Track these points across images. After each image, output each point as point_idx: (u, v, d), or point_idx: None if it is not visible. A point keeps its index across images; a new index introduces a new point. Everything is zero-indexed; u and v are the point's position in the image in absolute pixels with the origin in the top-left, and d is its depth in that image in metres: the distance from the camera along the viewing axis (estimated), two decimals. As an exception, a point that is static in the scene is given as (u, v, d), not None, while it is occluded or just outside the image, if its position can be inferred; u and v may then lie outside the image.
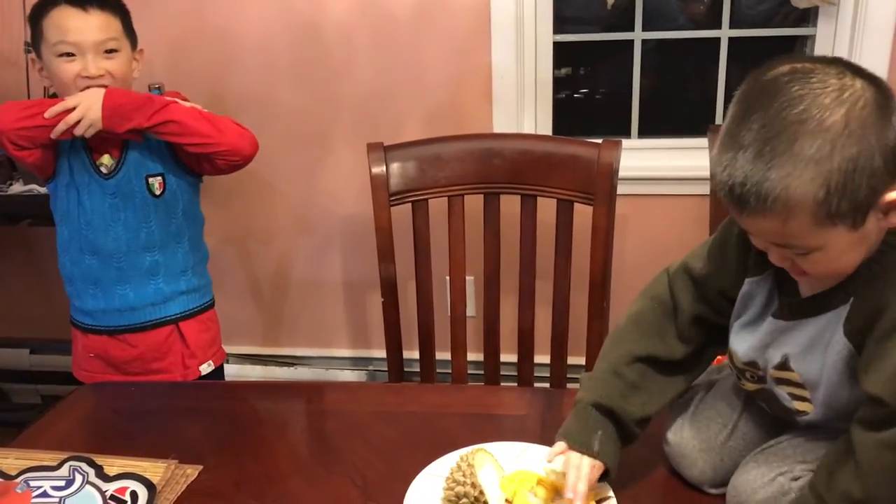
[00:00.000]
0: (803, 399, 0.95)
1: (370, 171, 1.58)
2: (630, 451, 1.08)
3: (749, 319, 1.00)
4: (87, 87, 1.48)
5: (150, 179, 1.58)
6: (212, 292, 1.76)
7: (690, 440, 1.04)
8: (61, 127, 1.45)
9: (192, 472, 1.13)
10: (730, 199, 0.83)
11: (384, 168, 1.58)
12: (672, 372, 1.06)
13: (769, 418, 1.04)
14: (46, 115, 1.45)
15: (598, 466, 0.99)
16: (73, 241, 1.61)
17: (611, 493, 0.98)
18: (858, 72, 0.82)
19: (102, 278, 1.61)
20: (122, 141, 1.54)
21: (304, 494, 1.09)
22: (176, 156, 1.59)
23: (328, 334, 2.62)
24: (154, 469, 1.12)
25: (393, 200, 1.59)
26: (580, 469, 0.97)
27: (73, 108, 1.45)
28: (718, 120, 2.29)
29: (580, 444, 0.99)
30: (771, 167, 0.78)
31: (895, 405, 0.83)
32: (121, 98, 1.47)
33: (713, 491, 1.02)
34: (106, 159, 1.55)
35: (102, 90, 1.47)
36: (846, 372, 0.89)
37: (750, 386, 1.02)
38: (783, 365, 0.95)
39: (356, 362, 2.64)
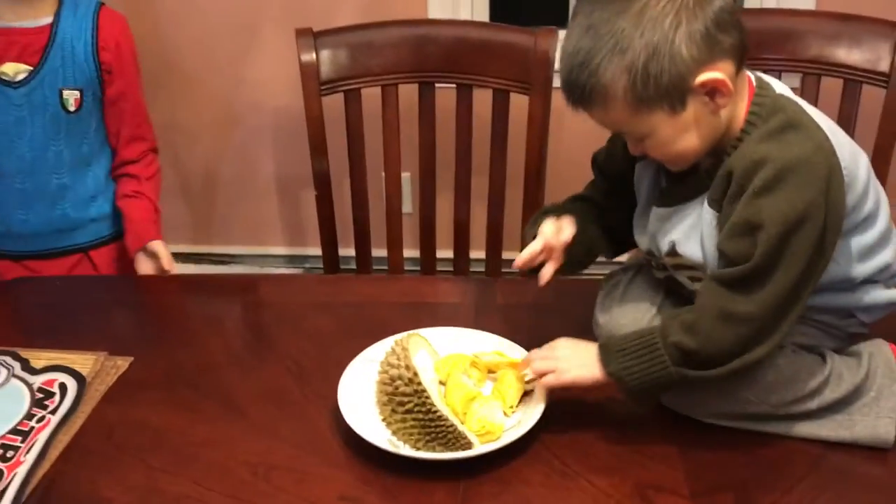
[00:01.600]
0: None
1: (299, 59, 1.53)
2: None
3: (640, 210, 1.04)
4: None
5: (66, 93, 1.45)
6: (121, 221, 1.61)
7: (620, 319, 1.06)
8: None
9: (123, 363, 1.11)
10: (565, 95, 0.90)
11: (314, 55, 1.52)
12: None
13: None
14: None
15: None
16: None
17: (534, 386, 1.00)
18: None
19: (3, 199, 1.49)
20: (41, 47, 1.42)
21: (238, 383, 1.08)
22: (99, 70, 1.47)
23: (262, 232, 2.59)
24: (83, 361, 1.10)
25: (324, 90, 1.54)
26: (549, 234, 1.01)
27: None
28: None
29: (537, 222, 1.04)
30: (584, 62, 0.86)
31: (732, 255, 0.88)
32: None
33: None
34: (10, 67, 1.42)
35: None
36: None
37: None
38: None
39: (291, 260, 2.62)
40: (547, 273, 1.02)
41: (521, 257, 1.01)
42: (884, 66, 1.42)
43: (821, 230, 0.86)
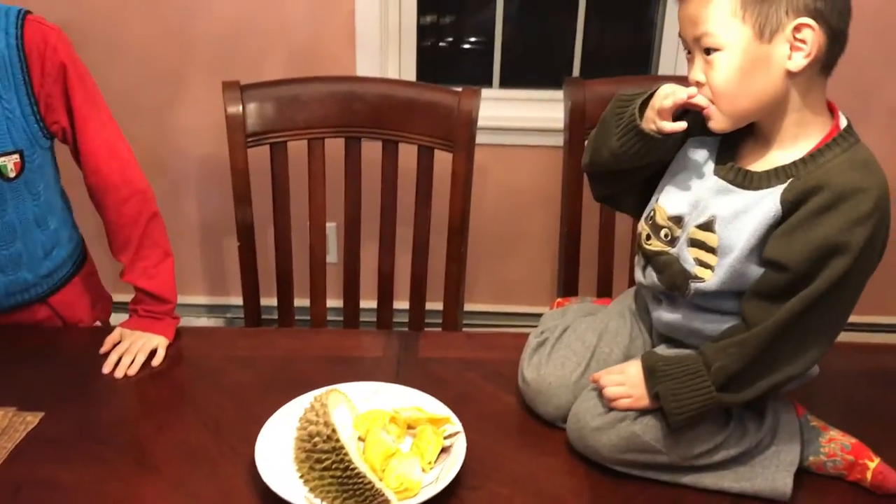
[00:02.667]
0: (707, 266, 0.99)
1: (225, 111, 1.53)
2: (482, 391, 1.13)
3: (686, 176, 1.05)
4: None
5: (2, 160, 1.21)
6: (82, 245, 1.48)
7: (546, 378, 1.08)
8: None
9: (33, 419, 1.08)
10: None
11: (240, 108, 1.53)
12: None
13: (619, 357, 1.10)
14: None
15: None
16: None
17: (459, 429, 1.02)
18: None
19: None
20: None
21: (153, 439, 1.07)
22: (36, 123, 1.23)
23: (183, 280, 2.50)
24: (-10, 417, 1.07)
25: (250, 142, 1.55)
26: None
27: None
28: (576, 73, 2.36)
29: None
30: None
31: (795, 270, 0.92)
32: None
33: (566, 425, 1.07)
34: None
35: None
36: (765, 241, 0.95)
37: (656, 245, 1.06)
38: (707, 225, 0.99)
39: (212, 310, 2.58)
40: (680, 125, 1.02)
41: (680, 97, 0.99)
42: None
43: (877, 256, 0.94)
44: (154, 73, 2.29)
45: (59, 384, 1.18)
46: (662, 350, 1.07)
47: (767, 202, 0.95)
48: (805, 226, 0.92)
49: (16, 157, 1.22)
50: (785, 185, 0.95)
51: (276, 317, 1.69)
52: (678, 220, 1.03)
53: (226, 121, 1.53)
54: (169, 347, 1.28)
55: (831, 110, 0.99)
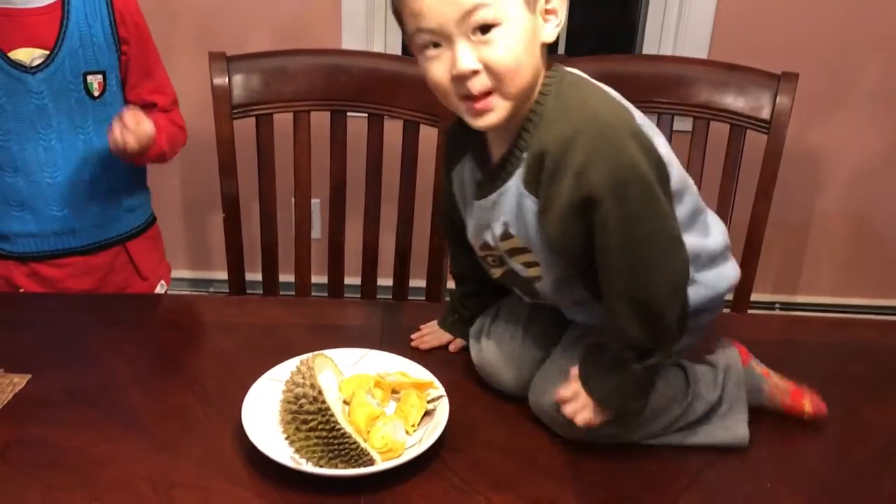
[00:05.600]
0: (534, 264, 1.00)
1: (211, 81, 1.54)
2: (464, 358, 1.15)
3: (465, 205, 1.07)
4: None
5: (89, 78, 1.37)
6: (151, 210, 1.60)
7: (491, 355, 1.11)
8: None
9: (20, 380, 1.09)
10: None
11: (226, 79, 1.54)
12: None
13: (550, 325, 1.11)
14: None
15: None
16: None
17: (442, 393, 1.04)
18: None
19: (37, 197, 1.39)
20: (55, 28, 1.32)
21: (140, 403, 1.08)
22: (115, 53, 1.39)
23: (167, 254, 2.54)
24: (-24, 378, 1.08)
25: (235, 114, 1.56)
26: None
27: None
28: (561, 51, 2.38)
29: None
30: None
31: (572, 248, 0.92)
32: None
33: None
34: (24, 53, 1.31)
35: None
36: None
37: (497, 271, 1.07)
38: (506, 234, 0.99)
39: (196, 283, 2.59)
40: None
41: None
42: (765, 113, 1.53)
43: (651, 183, 0.87)
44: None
45: (46, 347, 1.19)
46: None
47: (522, 196, 0.94)
48: (548, 200, 0.91)
49: (100, 76, 1.37)
50: (522, 164, 0.93)
51: (260, 291, 1.70)
52: (488, 246, 1.04)
53: (212, 92, 1.54)
54: (153, 313, 1.28)
55: None
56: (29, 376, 1.10)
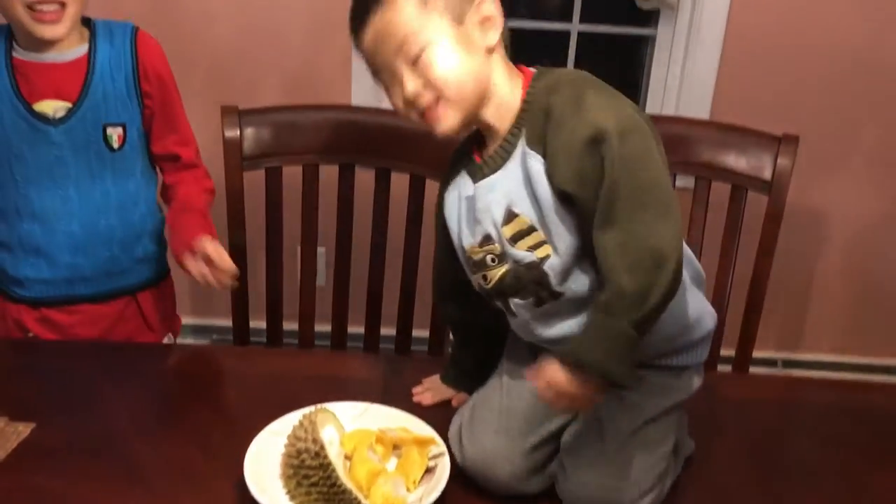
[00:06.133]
0: (540, 243, 0.99)
1: (223, 134, 1.57)
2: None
3: (460, 208, 1.07)
4: (39, 4, 1.26)
5: (109, 130, 1.39)
6: (166, 262, 1.58)
7: (476, 454, 1.04)
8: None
9: (25, 429, 1.10)
10: (356, 15, 1.00)
11: (238, 132, 1.57)
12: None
13: (533, 404, 1.05)
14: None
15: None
16: (9, 203, 1.40)
17: (444, 450, 1.04)
18: None
19: (52, 243, 1.41)
20: (80, 81, 1.35)
21: (142, 454, 1.08)
22: (141, 103, 1.41)
23: (171, 300, 2.56)
24: (-19, 426, 1.08)
25: (246, 165, 1.58)
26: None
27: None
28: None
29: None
30: None
31: (581, 197, 0.92)
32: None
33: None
34: (48, 105, 1.35)
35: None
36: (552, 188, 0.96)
37: (495, 273, 1.04)
38: (510, 216, 0.99)
39: (198, 330, 2.59)
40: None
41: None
42: (766, 174, 1.55)
43: (652, 136, 0.93)
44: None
45: (51, 396, 1.19)
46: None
47: (529, 160, 0.97)
48: (556, 146, 0.94)
49: (119, 129, 1.40)
50: (522, 136, 0.98)
51: (263, 339, 1.71)
52: (488, 239, 1.03)
53: (223, 144, 1.57)
54: (157, 363, 1.30)
55: (521, 69, 1.05)
56: (33, 425, 1.11)
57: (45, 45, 1.33)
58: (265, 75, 2.31)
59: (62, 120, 1.35)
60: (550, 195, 0.95)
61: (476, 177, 1.04)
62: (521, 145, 0.99)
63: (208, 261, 1.29)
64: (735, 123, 1.62)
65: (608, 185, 0.90)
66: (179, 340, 2.42)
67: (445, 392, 1.22)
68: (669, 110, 2.32)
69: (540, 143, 0.96)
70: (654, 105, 2.36)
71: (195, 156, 1.52)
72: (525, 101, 1.00)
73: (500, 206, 1.00)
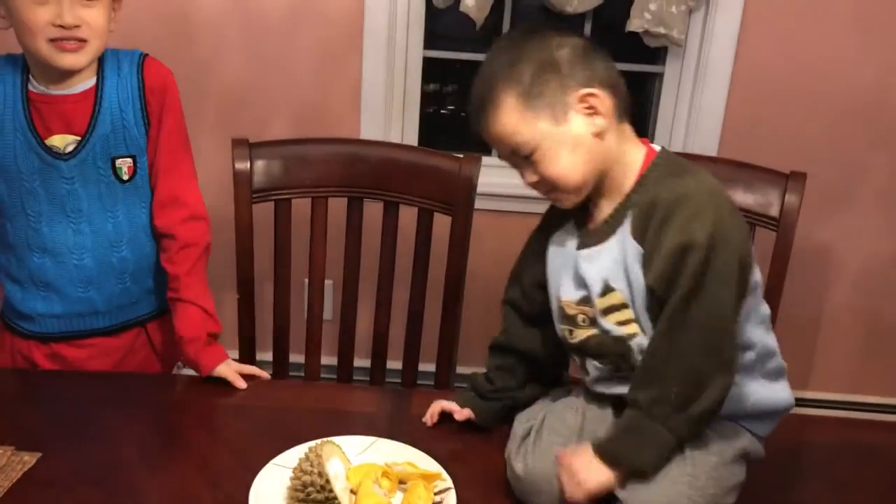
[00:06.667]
0: (629, 321, 1.04)
1: (233, 167, 1.58)
2: (473, 450, 1.14)
3: (564, 263, 1.11)
4: (62, 40, 1.27)
5: (118, 162, 1.38)
6: None
7: (537, 466, 1.05)
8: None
9: (30, 459, 1.09)
10: (472, 120, 1.08)
11: (248, 164, 1.58)
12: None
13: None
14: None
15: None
16: (20, 237, 1.39)
17: (450, 485, 1.03)
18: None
19: (64, 277, 1.40)
20: (88, 114, 1.35)
21: (147, 483, 1.08)
22: (144, 137, 1.40)
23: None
24: (-13, 455, 1.08)
25: (255, 198, 1.59)
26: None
27: None
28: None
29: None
30: (483, 78, 1.05)
31: (662, 285, 0.97)
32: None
33: None
34: (58, 139, 1.34)
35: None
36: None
37: (583, 333, 1.09)
38: (606, 289, 1.04)
39: (205, 361, 2.59)
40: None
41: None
42: (774, 211, 1.55)
43: (738, 252, 0.97)
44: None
45: (57, 426, 1.19)
46: None
47: (629, 246, 1.02)
48: (654, 244, 0.99)
49: (129, 160, 1.39)
50: (629, 218, 1.03)
51: (271, 372, 1.70)
52: (587, 301, 1.07)
53: (233, 176, 1.58)
54: (164, 393, 1.30)
55: (644, 143, 1.09)
56: (39, 455, 1.10)
57: (63, 77, 1.33)
58: (275, 109, 2.33)
59: (72, 154, 1.35)
60: (643, 283, 1.00)
61: (580, 242, 1.09)
62: (626, 227, 1.03)
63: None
64: (743, 160, 1.62)
65: (674, 295, 0.96)
66: (186, 371, 2.43)
67: (452, 404, 1.23)
68: (677, 146, 2.33)
69: (642, 234, 1.01)
70: (662, 140, 2.37)
71: (180, 191, 1.45)
72: (638, 184, 1.05)
73: (599, 278, 1.05)
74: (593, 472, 0.98)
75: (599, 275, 1.05)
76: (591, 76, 1.02)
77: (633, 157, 1.06)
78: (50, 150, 1.35)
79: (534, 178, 1.06)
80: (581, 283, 1.07)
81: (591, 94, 1.02)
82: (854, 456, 1.24)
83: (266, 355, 1.69)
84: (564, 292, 1.10)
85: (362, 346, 1.71)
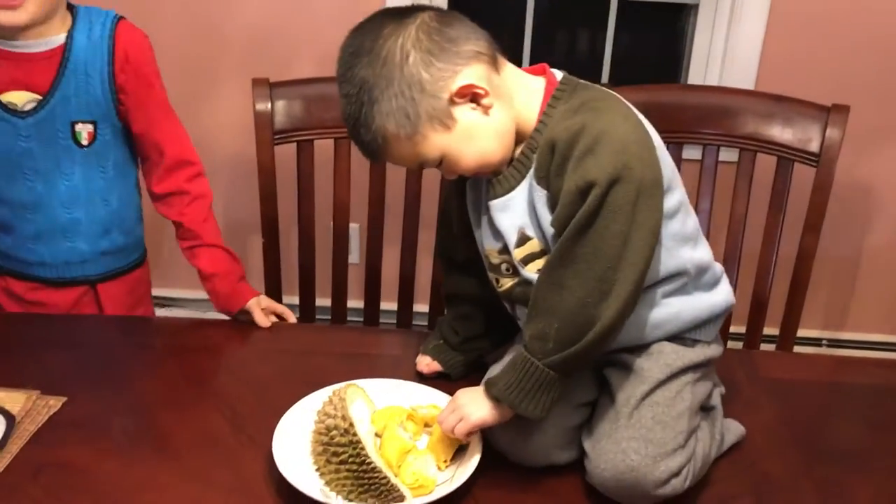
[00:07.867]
0: None
1: (254, 107, 1.55)
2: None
3: (480, 213, 1.07)
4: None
5: (78, 126, 1.34)
6: (143, 247, 1.55)
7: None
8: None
9: (56, 403, 1.10)
10: (364, 155, 1.03)
11: (269, 105, 1.55)
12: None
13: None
14: None
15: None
16: None
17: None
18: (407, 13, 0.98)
19: (14, 227, 1.40)
20: (52, 73, 1.30)
21: (172, 426, 1.08)
22: (111, 103, 1.35)
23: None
24: (13, 399, 1.08)
25: (277, 139, 1.56)
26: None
27: None
28: (604, 79, 2.36)
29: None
30: (355, 124, 0.98)
31: (566, 222, 0.91)
32: None
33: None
34: (17, 96, 1.30)
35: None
36: None
37: (507, 282, 1.06)
38: (522, 238, 1.01)
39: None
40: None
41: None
42: (814, 146, 1.49)
43: (638, 182, 0.90)
44: (184, 72, 2.31)
45: (83, 370, 1.19)
46: None
47: (534, 189, 0.98)
48: (556, 186, 0.94)
49: (90, 126, 1.35)
50: (532, 164, 0.98)
51: (297, 315, 1.69)
52: (506, 250, 1.04)
53: (254, 118, 1.55)
54: (188, 338, 1.30)
55: (542, 71, 1.03)
56: (64, 399, 1.10)
57: (11, 32, 1.27)
58: (297, 49, 2.28)
59: (31, 112, 1.31)
60: (552, 228, 0.96)
61: (489, 192, 1.04)
62: (531, 175, 0.99)
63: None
64: (781, 94, 1.56)
65: (574, 226, 0.90)
66: (212, 315, 2.44)
67: (421, 362, 1.20)
68: (713, 80, 2.25)
69: (545, 179, 0.97)
70: (697, 75, 2.29)
71: (183, 152, 1.44)
72: (540, 123, 0.99)
73: (514, 228, 1.02)
74: (476, 407, 0.96)
75: (513, 224, 1.01)
76: (452, 69, 0.94)
77: (529, 95, 1.01)
78: (6, 107, 1.30)
79: (454, 175, 1.03)
80: (497, 233, 1.04)
81: (462, 87, 0.95)
82: (893, 397, 1.20)
83: (293, 299, 1.68)
84: (487, 241, 1.07)
85: (389, 289, 1.69)
